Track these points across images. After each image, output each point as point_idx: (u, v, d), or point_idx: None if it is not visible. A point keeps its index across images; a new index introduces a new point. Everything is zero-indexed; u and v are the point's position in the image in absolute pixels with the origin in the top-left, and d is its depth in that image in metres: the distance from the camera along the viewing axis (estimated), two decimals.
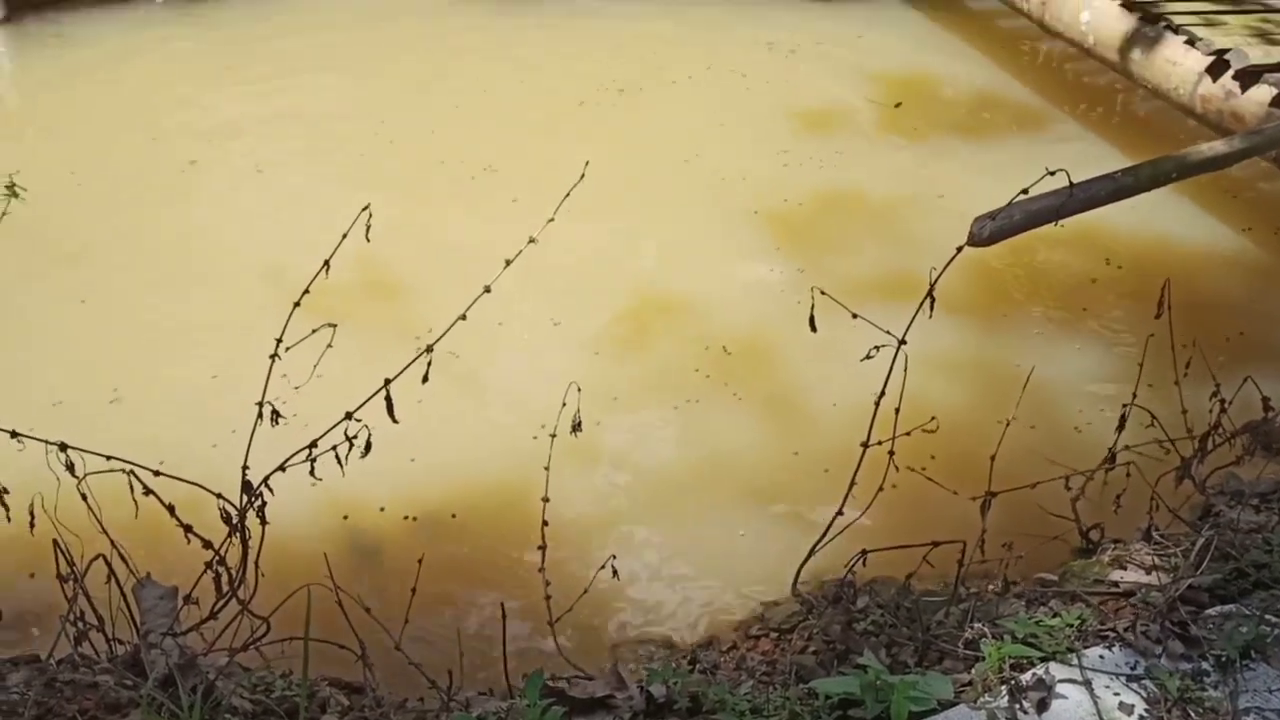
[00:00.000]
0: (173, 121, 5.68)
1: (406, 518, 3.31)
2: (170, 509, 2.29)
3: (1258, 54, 4.50)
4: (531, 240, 2.74)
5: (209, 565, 2.33)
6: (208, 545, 2.31)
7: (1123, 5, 4.95)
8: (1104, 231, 4.62)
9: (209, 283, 4.43)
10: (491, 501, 3.34)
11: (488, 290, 2.62)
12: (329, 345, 2.61)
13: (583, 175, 2.89)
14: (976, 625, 2.52)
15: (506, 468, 3.44)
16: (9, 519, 2.59)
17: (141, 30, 6.68)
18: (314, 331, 2.56)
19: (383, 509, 3.32)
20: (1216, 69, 4.45)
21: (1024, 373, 3.23)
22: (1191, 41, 4.61)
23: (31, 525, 2.51)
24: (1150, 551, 2.79)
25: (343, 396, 2.60)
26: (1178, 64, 4.60)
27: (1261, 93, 4.35)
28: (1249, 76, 4.37)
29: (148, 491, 2.27)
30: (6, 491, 2.58)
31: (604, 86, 6.06)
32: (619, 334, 4.16)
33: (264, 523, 2.39)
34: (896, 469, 2.74)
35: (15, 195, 4.09)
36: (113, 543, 2.41)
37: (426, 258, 4.54)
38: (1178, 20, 4.76)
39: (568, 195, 2.83)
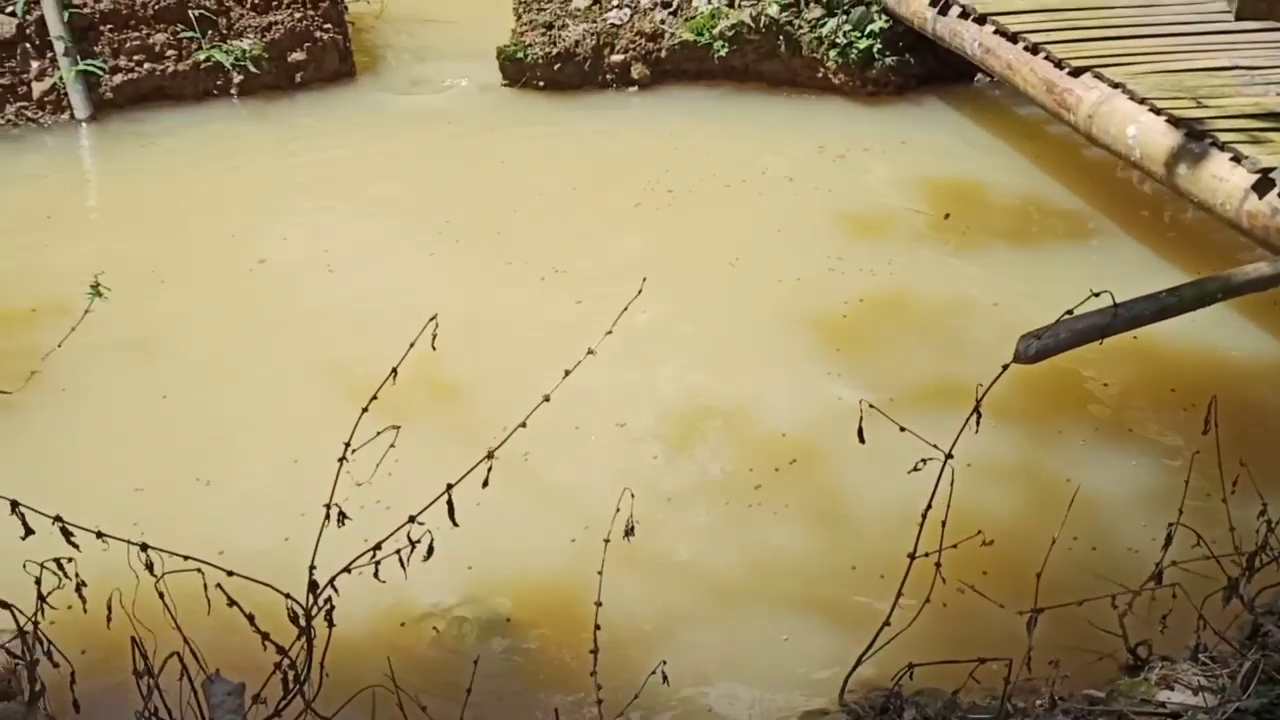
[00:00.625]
0: (246, 219, 5.93)
1: (462, 618, 3.40)
2: (250, 618, 2.39)
3: None
4: (590, 352, 2.86)
5: (277, 666, 2.42)
6: (280, 650, 2.41)
7: (1169, 121, 5.05)
8: (1154, 343, 4.67)
9: (283, 380, 4.61)
10: (545, 603, 3.43)
11: (547, 399, 2.73)
12: (392, 445, 2.75)
13: (640, 291, 3.04)
14: None
15: (560, 570, 3.52)
16: (85, 610, 2.73)
17: (218, 130, 6.99)
18: (378, 434, 2.69)
19: (438, 609, 3.42)
20: (1262, 186, 4.51)
21: (1070, 481, 3.27)
22: (1238, 158, 4.69)
23: (108, 620, 2.63)
24: (1198, 672, 2.80)
25: (406, 494, 2.71)
26: (1224, 180, 4.67)
27: None
28: None
29: (231, 603, 2.38)
30: (84, 584, 2.71)
31: (657, 189, 6.23)
32: (673, 437, 4.26)
33: (331, 625, 2.49)
34: (944, 581, 2.79)
35: (100, 295, 4.29)
36: (185, 640, 2.52)
37: (493, 359, 4.68)
38: (1224, 137, 4.84)
39: (625, 309, 2.97)
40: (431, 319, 2.78)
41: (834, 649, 3.27)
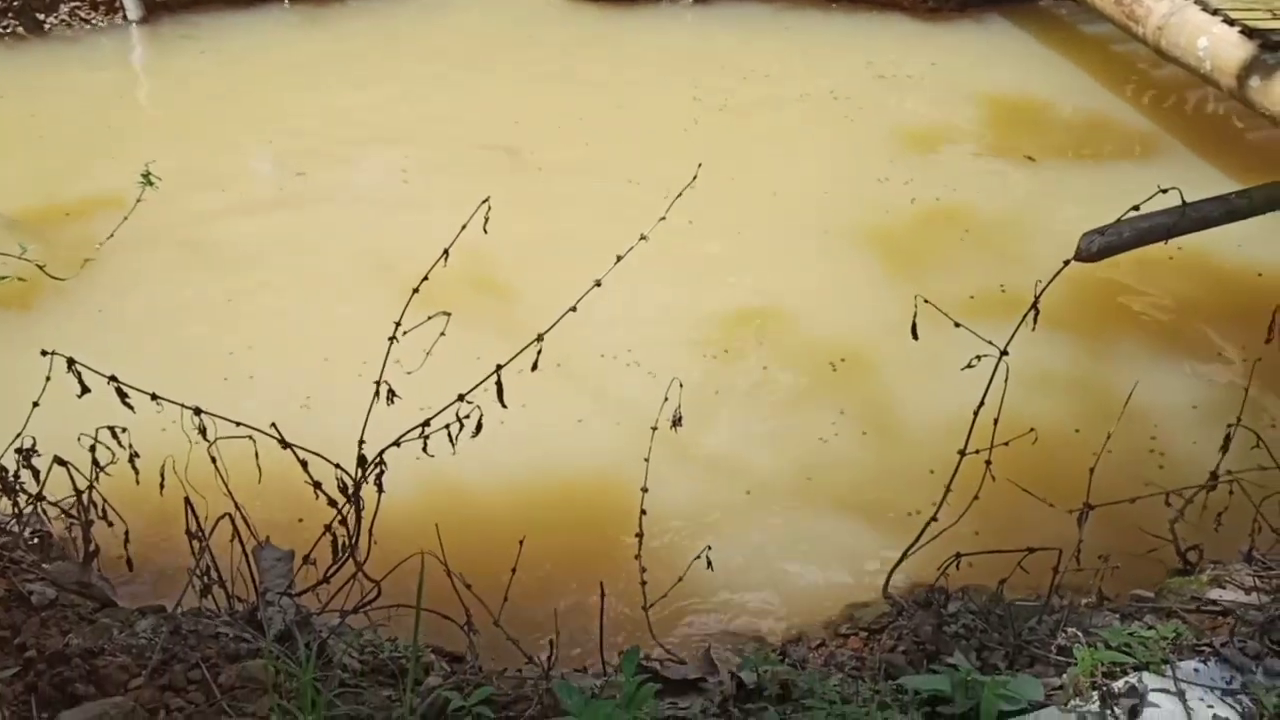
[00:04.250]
0: (291, 124, 5.91)
1: (508, 500, 3.42)
2: (304, 464, 2.42)
3: None
4: (643, 238, 2.84)
5: (328, 528, 2.45)
6: (333, 504, 2.43)
7: (1242, 32, 4.89)
8: (1212, 252, 4.56)
9: (334, 276, 4.63)
10: (594, 490, 3.44)
11: (598, 284, 2.72)
12: (442, 333, 2.75)
13: (695, 176, 3.01)
14: (1070, 631, 2.53)
15: (608, 458, 3.53)
16: (137, 482, 2.77)
17: (269, 34, 6.97)
18: (429, 318, 2.70)
19: (484, 491, 3.44)
20: None
21: (1124, 391, 3.20)
22: None
23: (162, 487, 2.67)
24: (1250, 573, 2.76)
25: (450, 382, 2.70)
26: None
27: None
28: None
29: (285, 445, 2.39)
30: (137, 455, 2.76)
31: (713, 106, 6.15)
32: (724, 340, 4.24)
33: (380, 491, 2.51)
34: (994, 479, 2.76)
35: (151, 183, 4.31)
36: (236, 505, 2.55)
37: (545, 261, 4.66)
38: None
39: (680, 195, 2.95)
40: (484, 201, 2.78)
41: (880, 546, 3.26)
